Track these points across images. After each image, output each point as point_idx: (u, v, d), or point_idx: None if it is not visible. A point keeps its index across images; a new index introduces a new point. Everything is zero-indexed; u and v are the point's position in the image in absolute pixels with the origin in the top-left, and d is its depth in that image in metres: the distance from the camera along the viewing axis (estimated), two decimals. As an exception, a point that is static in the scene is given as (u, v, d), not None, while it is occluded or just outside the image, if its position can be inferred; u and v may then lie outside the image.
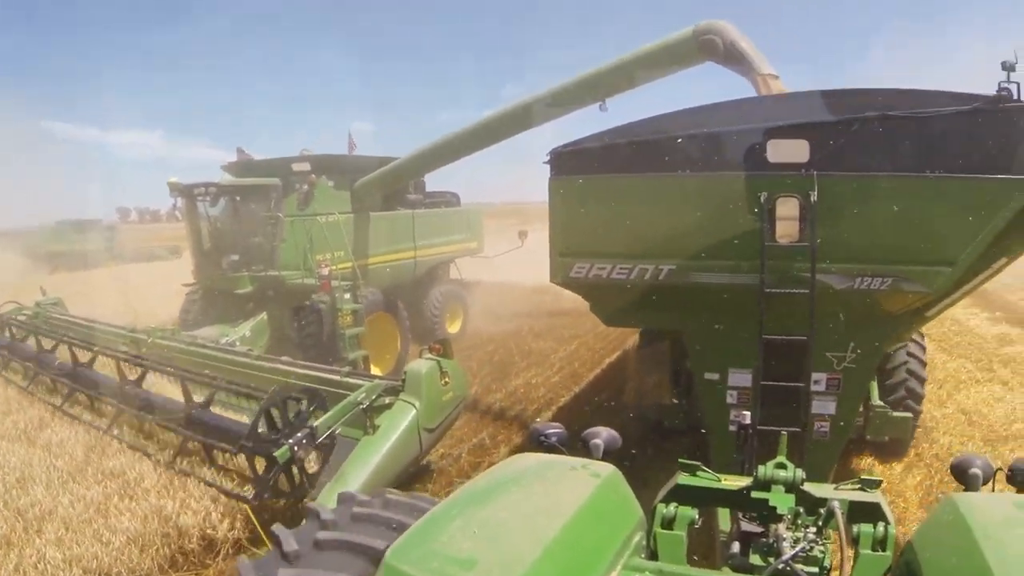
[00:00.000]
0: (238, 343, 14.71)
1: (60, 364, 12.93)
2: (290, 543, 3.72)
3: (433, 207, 20.66)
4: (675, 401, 9.71)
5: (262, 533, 7.70)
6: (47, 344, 13.83)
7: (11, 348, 15.22)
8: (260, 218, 16.52)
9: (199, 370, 11.07)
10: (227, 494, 8.54)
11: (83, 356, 12.54)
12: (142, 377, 11.31)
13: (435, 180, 20.05)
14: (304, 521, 4.10)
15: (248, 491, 8.51)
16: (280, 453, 8.00)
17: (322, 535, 3.77)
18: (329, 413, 8.67)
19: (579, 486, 3.48)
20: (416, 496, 4.34)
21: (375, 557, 3.32)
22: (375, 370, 15.43)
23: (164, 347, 13.11)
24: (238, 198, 16.71)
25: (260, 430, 8.43)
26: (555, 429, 4.41)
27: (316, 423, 8.46)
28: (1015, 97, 6.40)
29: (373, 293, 16.81)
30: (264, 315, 16.33)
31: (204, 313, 17.09)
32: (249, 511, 8.15)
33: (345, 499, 4.25)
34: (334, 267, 15.80)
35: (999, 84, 6.41)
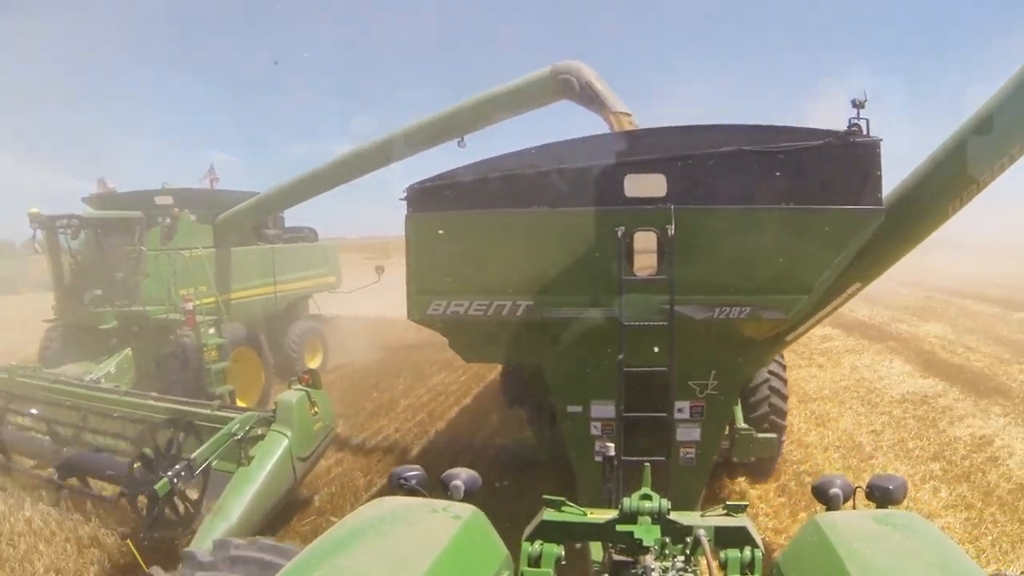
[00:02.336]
0: (103, 380, 14.18)
1: None
2: None
3: (292, 242, 20.68)
4: (537, 435, 9.71)
5: (144, 566, 7.64)
6: None
7: None
8: (123, 252, 16.09)
9: (66, 408, 10.91)
10: (120, 535, 8.69)
11: None
12: (2, 419, 11.14)
13: (293, 215, 20.10)
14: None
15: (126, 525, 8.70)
16: (160, 486, 8.09)
17: None
18: (205, 445, 8.71)
19: (441, 529, 3.40)
20: (267, 546, 4.26)
21: None
22: (241, 404, 15.13)
23: (27, 385, 12.57)
24: (101, 231, 16.22)
25: (136, 464, 8.44)
26: (414, 472, 4.33)
27: (193, 455, 8.51)
28: (865, 132, 6.63)
29: (236, 328, 16.67)
30: (128, 351, 15.82)
31: (65, 349, 16.45)
32: (131, 546, 8.18)
33: (186, 559, 4.20)
34: (198, 302, 15.58)
35: (849, 120, 6.64)
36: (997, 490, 10.42)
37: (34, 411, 11.18)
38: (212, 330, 15.17)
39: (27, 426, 11.51)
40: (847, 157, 6.76)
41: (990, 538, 8.91)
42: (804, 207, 6.79)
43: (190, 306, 15.07)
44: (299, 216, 19.47)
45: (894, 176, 7.21)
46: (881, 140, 6.72)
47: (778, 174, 6.83)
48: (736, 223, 6.91)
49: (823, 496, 4.22)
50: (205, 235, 17.20)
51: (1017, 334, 23.83)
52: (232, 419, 9.27)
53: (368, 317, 24.85)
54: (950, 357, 20.49)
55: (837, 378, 18.68)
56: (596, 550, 4.78)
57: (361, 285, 21.04)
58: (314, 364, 20.19)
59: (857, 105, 6.62)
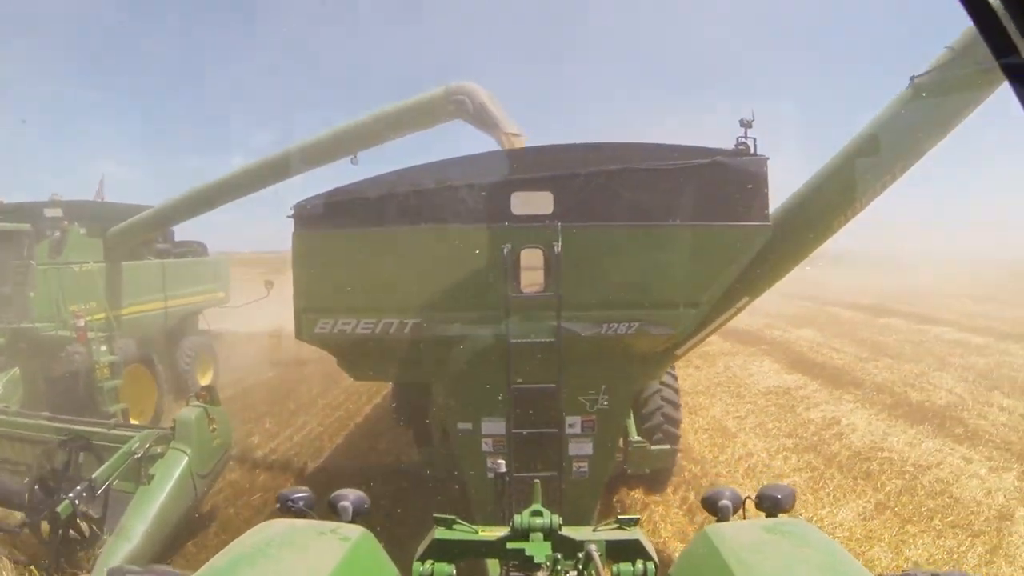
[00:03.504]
0: (-10, 399, 13.79)
1: None
2: None
3: (181, 256, 20.35)
4: (425, 453, 9.66)
5: None
6: None
7: None
8: (10, 266, 15.54)
9: None
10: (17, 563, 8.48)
11: None
12: None
13: (181, 229, 19.74)
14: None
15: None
16: (63, 508, 8.06)
17: None
18: (105, 465, 8.65)
19: (329, 551, 3.34)
20: (157, 572, 4.17)
21: None
22: (134, 422, 14.79)
23: None
24: None
25: (35, 488, 8.35)
26: (302, 493, 4.26)
27: (94, 475, 8.45)
28: (752, 150, 6.73)
29: (128, 344, 16.31)
30: (16, 369, 15.27)
31: None
32: (35, 571, 8.17)
33: None
34: (89, 318, 15.20)
35: (737, 139, 6.75)
36: (838, 456, 12.88)
37: None
38: (104, 347, 14.82)
39: None
40: (735, 175, 6.89)
41: (827, 490, 11.27)
42: (692, 223, 6.91)
43: (81, 322, 14.72)
44: (187, 230, 19.16)
45: (782, 193, 7.35)
46: (768, 158, 6.87)
47: (666, 191, 6.95)
48: (623, 240, 6.99)
49: (713, 507, 4.25)
50: (96, 249, 16.75)
51: (878, 336, 26.63)
52: (131, 437, 9.21)
53: (260, 332, 24.63)
54: (815, 356, 23.12)
55: (711, 376, 20.62)
56: (493, 567, 4.77)
57: (250, 300, 21.01)
58: (205, 380, 19.89)
59: (745, 124, 6.74)
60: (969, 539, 9.39)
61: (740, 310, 7.97)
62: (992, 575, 8.57)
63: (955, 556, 8.97)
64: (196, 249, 21.24)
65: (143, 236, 17.76)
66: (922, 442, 13.46)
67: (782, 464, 12.66)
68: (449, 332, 7.27)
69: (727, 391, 18.79)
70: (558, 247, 6.82)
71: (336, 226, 7.37)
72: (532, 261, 7.19)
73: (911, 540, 9.44)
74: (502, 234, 6.95)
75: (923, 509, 10.35)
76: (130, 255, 17.73)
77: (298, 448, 15.09)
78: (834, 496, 11.00)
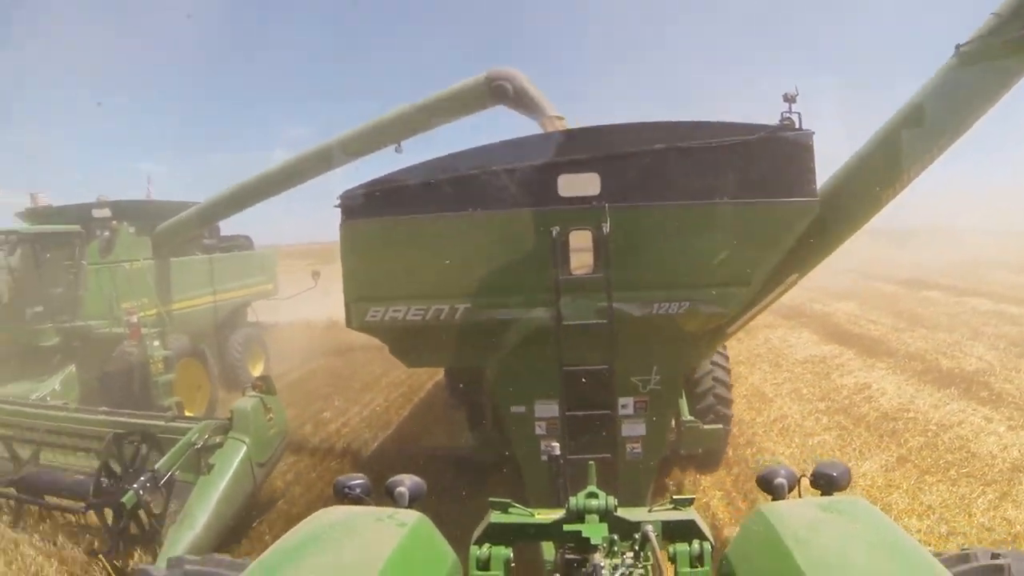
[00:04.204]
0: (48, 398, 13.99)
1: None
2: None
3: (228, 251, 20.53)
4: (479, 437, 9.70)
5: None
6: None
7: None
8: (63, 267, 15.86)
9: (17, 427, 10.77)
10: (85, 552, 8.67)
11: None
12: None
13: (227, 222, 19.61)
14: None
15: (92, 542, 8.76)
16: (127, 499, 8.16)
17: None
18: (166, 456, 8.78)
19: (386, 537, 3.38)
20: (220, 561, 4.22)
21: None
22: (189, 415, 14.96)
23: None
24: (39, 246, 15.84)
25: (101, 477, 8.45)
26: (359, 480, 4.28)
27: (156, 466, 8.58)
28: (797, 125, 6.67)
29: (180, 339, 16.54)
30: (72, 367, 15.55)
31: (4, 369, 15.96)
32: (104, 561, 8.23)
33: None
34: (141, 314, 15.40)
35: (782, 114, 6.68)
36: (866, 417, 13.69)
37: None
38: (157, 342, 15.05)
39: None
40: (780, 151, 6.81)
41: (854, 446, 12.15)
42: (739, 201, 6.83)
43: (134, 319, 14.93)
44: (232, 224, 19.32)
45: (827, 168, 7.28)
46: (813, 133, 6.77)
47: (713, 169, 6.87)
48: (671, 219, 6.93)
49: (768, 486, 4.23)
50: (144, 247, 17.00)
51: (917, 308, 26.59)
52: (189, 429, 9.32)
53: (308, 322, 25.08)
54: (852, 328, 23.58)
55: (751, 347, 21.08)
56: (548, 550, 4.77)
57: (298, 291, 21.19)
58: (256, 371, 19.98)
59: (788, 99, 6.67)
60: (981, 487, 10.01)
61: (790, 287, 7.87)
62: (999, 517, 9.13)
63: (966, 501, 9.62)
64: (242, 243, 21.44)
65: (191, 232, 17.98)
66: (947, 404, 14.01)
67: (813, 424, 13.57)
68: (500, 316, 7.27)
69: (766, 361, 19.48)
70: (607, 228, 6.78)
71: (383, 214, 7.37)
72: (581, 243, 7.15)
73: (927, 488, 10.16)
74: (550, 217, 6.93)
75: (941, 462, 11.08)
76: (178, 251, 17.95)
77: (368, 421, 16.08)
78: (860, 451, 11.88)
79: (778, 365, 18.80)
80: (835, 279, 31.27)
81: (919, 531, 8.82)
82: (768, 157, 6.85)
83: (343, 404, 17.56)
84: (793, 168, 6.81)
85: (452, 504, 8.64)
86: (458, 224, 7.19)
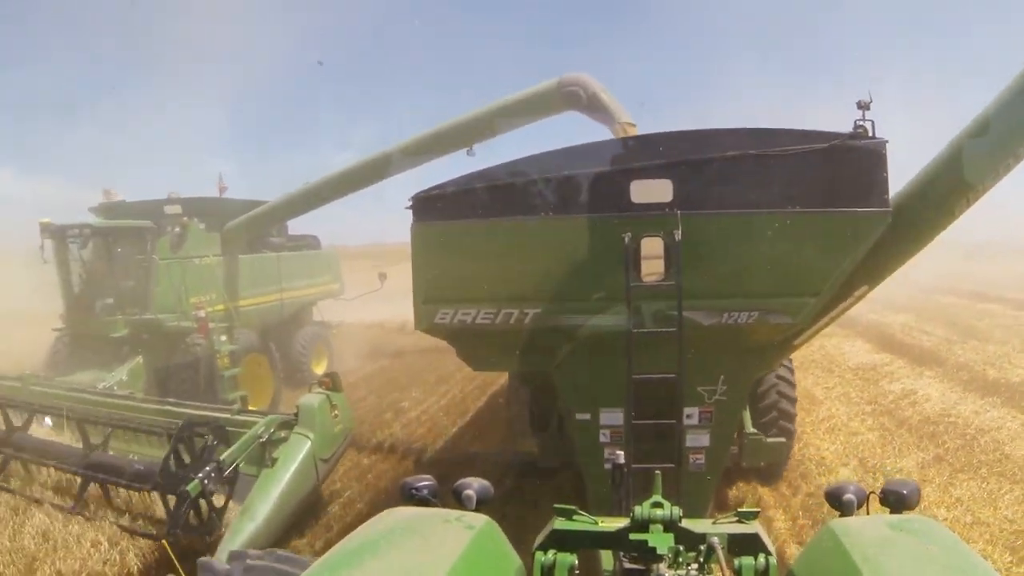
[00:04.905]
0: (115, 387, 14.34)
1: None
2: None
3: (295, 250, 20.77)
4: (540, 443, 9.69)
5: (178, 567, 7.75)
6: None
7: None
8: (135, 261, 16.21)
9: (85, 415, 10.90)
10: (140, 534, 8.81)
11: None
12: (28, 423, 11.22)
13: (295, 222, 20.04)
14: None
15: (151, 528, 8.90)
16: (192, 487, 8.31)
17: None
18: (233, 447, 8.94)
19: (454, 539, 3.33)
20: (284, 557, 4.24)
21: None
22: (252, 409, 15.15)
23: (43, 394, 12.64)
24: (112, 240, 16.29)
25: (168, 463, 8.61)
26: (426, 482, 4.24)
27: (222, 457, 8.74)
28: (870, 134, 6.57)
29: (247, 334, 16.82)
30: (140, 359, 15.88)
31: (73, 358, 16.50)
32: (166, 546, 8.22)
33: (204, 568, 4.19)
34: (209, 309, 15.71)
35: (855, 122, 6.59)
36: (909, 420, 14.24)
37: (50, 419, 11.39)
38: (224, 337, 15.37)
39: (46, 433, 11.57)
40: (853, 159, 6.70)
41: (894, 445, 12.75)
42: (811, 210, 6.74)
43: (202, 313, 15.25)
44: (300, 224, 19.60)
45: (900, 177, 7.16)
46: (887, 141, 6.66)
47: (785, 177, 6.80)
48: (743, 227, 6.86)
49: (836, 502, 4.15)
50: (214, 243, 17.34)
51: (973, 321, 26.27)
52: (255, 422, 9.48)
53: (371, 323, 25.37)
54: (905, 338, 23.60)
55: (806, 354, 20.38)
56: (607, 559, 4.74)
57: (364, 292, 21.42)
58: (320, 369, 20.24)
59: (862, 107, 6.57)
60: (1010, 485, 10.50)
61: (859, 299, 7.77)
62: (1022, 511, 9.59)
63: (993, 496, 10.12)
64: (310, 242, 21.68)
65: (259, 230, 18.33)
66: (987, 411, 14.39)
67: (859, 425, 14.24)
68: (569, 322, 7.25)
69: (819, 367, 19.85)
70: (678, 235, 6.72)
71: (455, 217, 7.40)
72: (651, 250, 7.12)
73: (958, 483, 10.68)
74: (622, 223, 6.88)
75: (974, 461, 11.62)
76: (247, 249, 18.26)
77: (446, 409, 16.98)
78: (899, 450, 12.50)
79: (830, 371, 19.37)
80: (894, 290, 31.19)
81: (945, 520, 9.13)
82: (841, 165, 6.73)
83: (420, 395, 18.31)
84: (866, 177, 6.71)
85: (511, 508, 8.67)
86: (530, 228, 7.18)
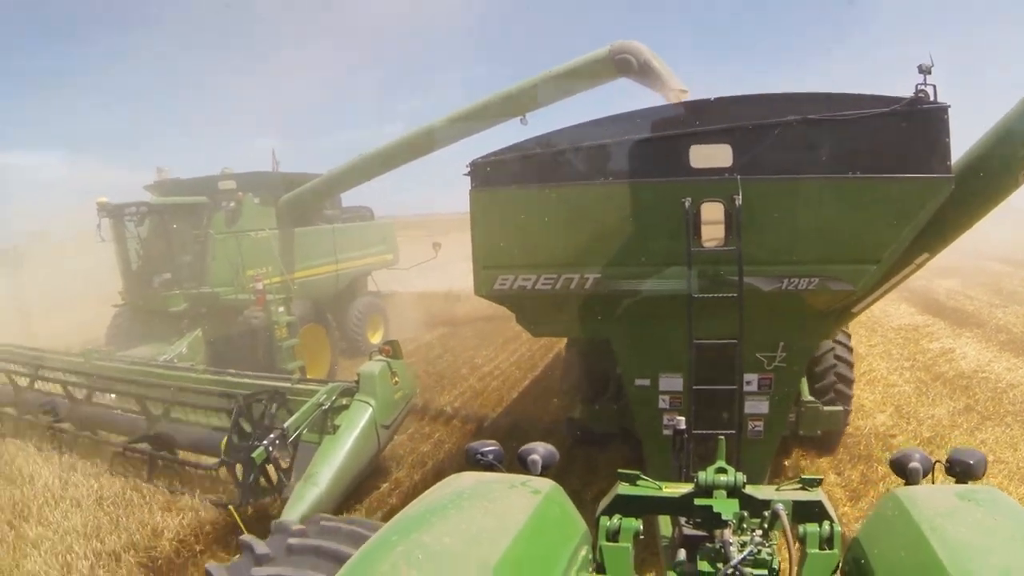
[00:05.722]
0: (176, 360, 14.55)
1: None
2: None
3: (349, 221, 20.90)
4: (593, 410, 9.69)
5: (244, 531, 7.79)
6: None
7: None
8: (191, 236, 16.41)
9: (149, 386, 11.24)
10: (213, 502, 9.11)
11: (22, 380, 12.76)
12: (89, 397, 11.63)
13: (348, 194, 20.21)
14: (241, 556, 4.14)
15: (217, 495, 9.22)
16: (257, 454, 8.51)
17: (259, 572, 3.77)
18: (295, 415, 9.09)
19: (521, 504, 3.36)
20: (352, 521, 4.29)
21: None
22: (311, 379, 15.32)
23: (105, 368, 12.88)
24: (168, 217, 16.48)
25: (232, 436, 8.86)
26: (491, 447, 4.21)
27: (285, 424, 8.89)
28: (932, 98, 6.49)
29: (304, 305, 16.94)
30: (199, 331, 16.13)
31: (132, 333, 16.82)
32: (233, 512, 8.46)
33: (278, 530, 4.25)
34: (266, 282, 15.91)
35: (916, 86, 6.50)
36: (944, 375, 15.00)
37: (115, 392, 11.66)
38: (281, 308, 15.45)
39: (113, 404, 11.91)
40: (914, 124, 6.61)
41: (929, 396, 13.47)
42: (872, 176, 6.68)
43: (260, 286, 15.40)
44: (353, 196, 19.71)
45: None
46: (949, 106, 6.55)
47: (845, 142, 6.74)
48: (803, 193, 6.81)
49: (901, 470, 4.11)
50: (269, 217, 17.50)
51: (1019, 287, 27.25)
52: (316, 391, 9.63)
53: (424, 292, 25.43)
54: (949, 302, 24.57)
55: None
56: (665, 525, 4.75)
57: (418, 262, 21.40)
58: (375, 339, 20.43)
59: (923, 71, 6.47)
60: None
61: (920, 267, 7.71)
62: None
63: (1015, 440, 10.99)
64: (363, 214, 21.81)
65: (313, 203, 18.46)
66: (1020, 368, 15.21)
67: (897, 378, 14.98)
68: (630, 287, 7.24)
69: (864, 327, 20.03)
70: (739, 200, 6.71)
71: (513, 183, 7.43)
72: (711, 215, 7.08)
73: (984, 429, 11.58)
74: (681, 188, 6.88)
75: (1001, 411, 12.47)
76: (301, 221, 18.37)
77: (516, 364, 18.16)
78: (933, 400, 13.29)
79: (874, 330, 20.06)
80: (941, 256, 30.87)
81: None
82: (902, 131, 6.65)
83: (491, 353, 19.44)
84: (927, 143, 6.62)
85: (567, 476, 8.74)
86: (589, 194, 7.19)
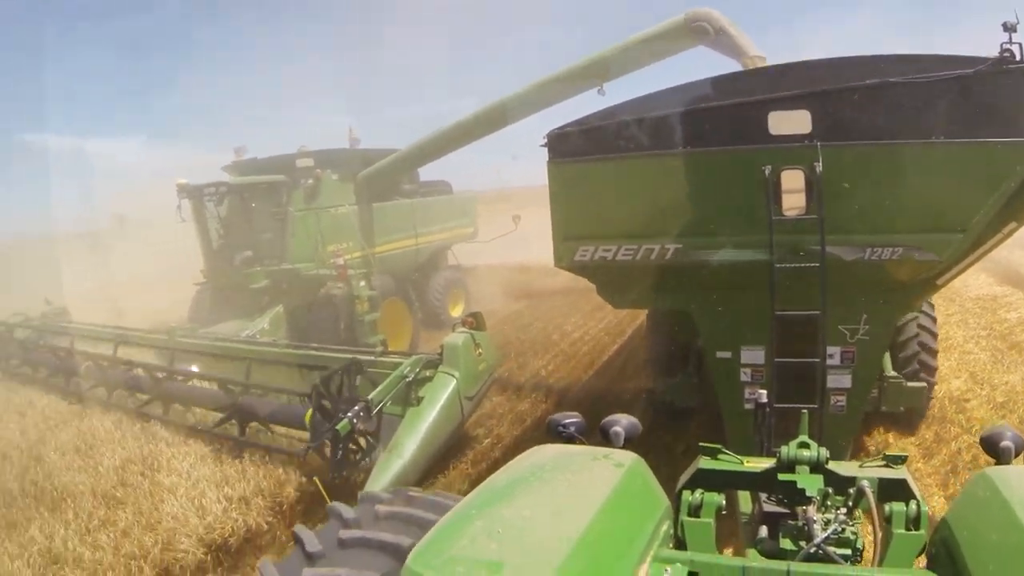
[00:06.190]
0: (258, 335, 14.90)
1: (87, 367, 13.34)
2: (313, 544, 3.77)
3: (427, 196, 20.99)
4: (672, 381, 9.63)
5: (328, 501, 8.11)
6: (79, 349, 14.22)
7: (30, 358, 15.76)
8: (271, 214, 16.67)
9: (233, 361, 11.72)
10: (304, 474, 9.26)
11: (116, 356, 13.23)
12: (173, 373, 12.05)
13: (425, 169, 20.33)
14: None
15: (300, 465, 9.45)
16: (342, 426, 8.65)
17: (345, 534, 3.81)
18: (379, 387, 9.23)
19: (603, 477, 3.33)
20: (437, 494, 4.30)
21: (400, 555, 3.26)
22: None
23: (190, 344, 13.35)
24: (248, 196, 16.80)
25: (317, 408, 9.01)
26: (573, 419, 4.18)
27: (369, 396, 9.05)
28: (1017, 58, 6.25)
29: (385, 280, 17.20)
30: (280, 307, 16.39)
31: (213, 310, 17.19)
32: (319, 484, 8.62)
33: (365, 499, 4.27)
34: (347, 257, 16.16)
35: (1001, 45, 6.25)
36: (1020, 343, 14.82)
37: (197, 366, 12.14)
38: (363, 283, 15.68)
39: (198, 379, 12.20)
40: (1002, 86, 6.33)
41: (1004, 364, 13.40)
42: (957, 141, 6.42)
43: (341, 260, 15.61)
44: (431, 170, 19.89)
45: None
46: None
47: (929, 106, 6.49)
48: (886, 159, 6.59)
49: (992, 449, 3.96)
50: (347, 193, 17.71)
51: None
52: (400, 363, 9.73)
53: (505, 266, 25.55)
54: None
55: None
56: (744, 501, 4.68)
57: (499, 234, 21.44)
58: (456, 313, 20.54)
59: (1008, 28, 6.22)
60: None
61: (1007, 236, 7.42)
62: None
63: None
64: (441, 188, 21.92)
65: (392, 178, 18.64)
66: None
67: (973, 346, 14.95)
68: (711, 257, 7.13)
69: (942, 297, 19.50)
70: (819, 167, 6.54)
71: (591, 153, 7.35)
72: (791, 183, 6.94)
73: None
74: (761, 155, 6.72)
75: None
76: (380, 197, 18.53)
77: (605, 330, 18.56)
78: (1007, 367, 13.20)
79: (951, 300, 19.73)
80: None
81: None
82: (988, 93, 6.37)
83: (580, 320, 19.80)
84: (1015, 105, 6.35)
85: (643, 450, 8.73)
86: (667, 163, 7.09)
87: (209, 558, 8.05)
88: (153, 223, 21.63)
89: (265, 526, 8.53)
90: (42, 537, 8.21)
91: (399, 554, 3.43)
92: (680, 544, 3.70)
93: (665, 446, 9.75)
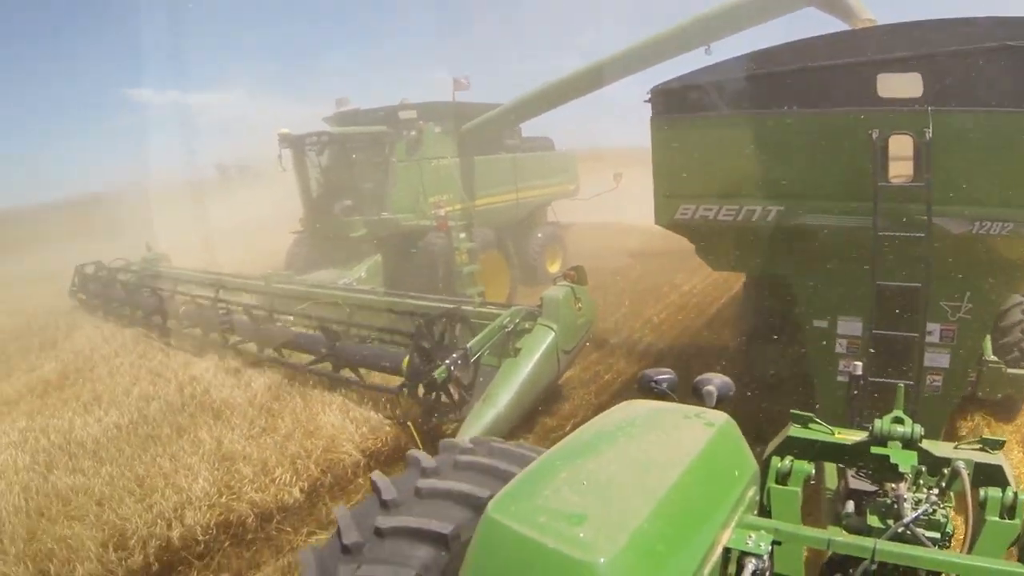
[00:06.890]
0: (355, 283, 15.14)
1: (185, 311, 13.75)
2: (390, 491, 3.77)
3: (530, 151, 20.95)
4: (767, 347, 9.34)
5: (420, 445, 8.44)
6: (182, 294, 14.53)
7: (137, 302, 16.07)
8: (372, 164, 16.80)
9: (330, 306, 12.09)
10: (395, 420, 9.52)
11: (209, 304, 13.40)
12: (270, 316, 12.19)
13: (528, 125, 20.35)
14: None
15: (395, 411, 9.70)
16: (439, 373, 8.75)
17: (423, 484, 3.81)
18: (478, 336, 9.31)
19: (692, 436, 3.24)
20: (521, 445, 4.26)
21: (477, 506, 3.32)
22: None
23: (287, 291, 13.72)
24: (349, 146, 16.88)
25: (415, 355, 9.13)
26: (666, 375, 4.15)
27: (468, 345, 9.13)
28: None
29: (485, 232, 17.21)
30: (378, 256, 16.59)
31: (310, 258, 17.43)
32: (412, 428, 8.97)
33: (447, 448, 4.26)
34: (448, 208, 16.23)
35: None
36: None
37: (292, 315, 12.26)
38: (463, 235, 15.85)
39: (296, 324, 12.36)
40: None
41: None
42: None
43: (442, 212, 15.77)
44: (533, 126, 19.95)
45: None
46: None
47: None
48: (999, 127, 6.27)
49: None
50: (449, 145, 17.75)
51: None
52: (499, 314, 9.83)
53: (604, 224, 25.61)
54: None
55: None
56: (831, 476, 4.57)
57: (598, 192, 21.42)
58: (553, 268, 20.66)
59: None
60: None
61: None
62: None
63: None
64: (544, 144, 21.87)
65: (494, 132, 18.69)
66: None
67: None
68: (813, 222, 6.96)
69: None
70: (929, 133, 6.28)
71: (695, 110, 7.26)
72: (898, 149, 6.69)
73: None
74: (868, 119, 6.50)
75: None
76: (482, 150, 18.60)
77: (712, 285, 18.86)
78: None
79: None
80: None
81: None
82: None
83: (686, 276, 19.71)
84: None
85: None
86: (772, 123, 6.95)
87: (362, 464, 8.72)
88: (254, 173, 22.03)
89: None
90: (210, 439, 8.95)
91: (476, 505, 3.44)
92: (765, 512, 3.62)
93: (750, 416, 9.47)
